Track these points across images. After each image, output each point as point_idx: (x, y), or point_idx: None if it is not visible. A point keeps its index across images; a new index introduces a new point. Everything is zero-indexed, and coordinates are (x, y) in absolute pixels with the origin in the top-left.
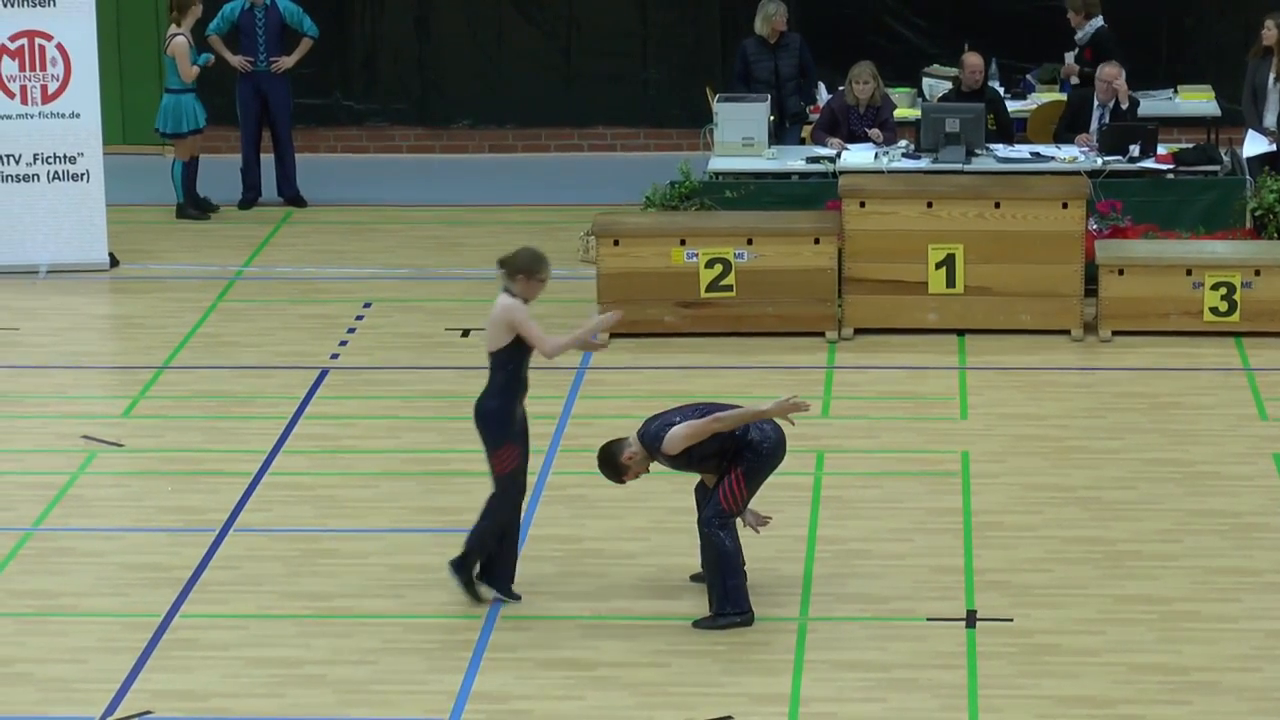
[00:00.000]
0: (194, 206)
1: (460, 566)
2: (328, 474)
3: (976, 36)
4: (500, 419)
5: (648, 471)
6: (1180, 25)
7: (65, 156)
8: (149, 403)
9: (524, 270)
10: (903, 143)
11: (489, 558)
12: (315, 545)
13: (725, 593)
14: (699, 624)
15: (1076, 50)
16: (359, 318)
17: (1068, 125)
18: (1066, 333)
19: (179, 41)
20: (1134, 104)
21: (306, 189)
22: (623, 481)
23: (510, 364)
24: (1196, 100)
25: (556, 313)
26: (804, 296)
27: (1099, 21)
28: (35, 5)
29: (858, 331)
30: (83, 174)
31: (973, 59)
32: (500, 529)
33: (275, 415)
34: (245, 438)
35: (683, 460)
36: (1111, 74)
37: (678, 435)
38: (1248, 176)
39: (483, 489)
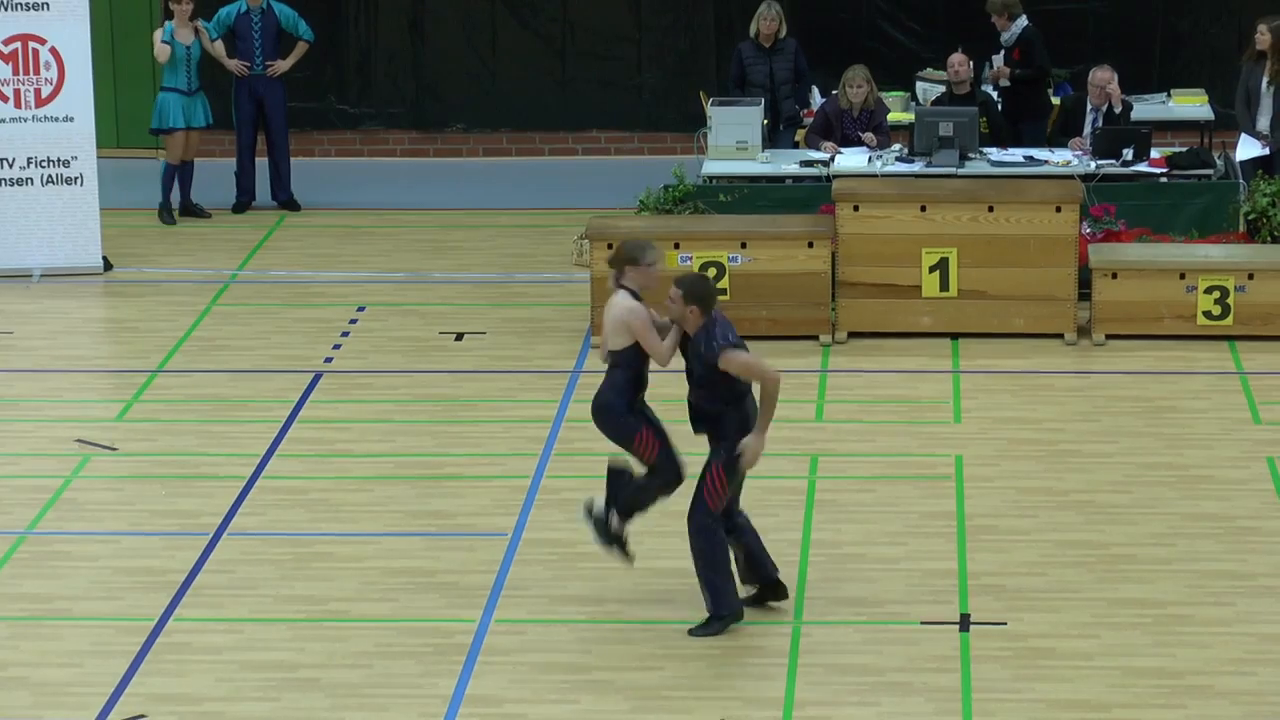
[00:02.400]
0: (165, 210)
1: (603, 523)
2: (322, 478)
3: (970, 41)
4: (620, 412)
5: (671, 320)
6: (1174, 29)
7: (59, 160)
8: (143, 406)
9: (629, 260)
10: (896, 146)
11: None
12: (309, 549)
13: (716, 592)
14: (694, 632)
15: (1003, 52)
16: (353, 321)
17: (1061, 129)
18: (1060, 336)
19: (158, 32)
20: (1127, 108)
21: (300, 193)
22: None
23: (635, 363)
24: (1190, 104)
25: (550, 316)
26: (798, 300)
27: (1024, 21)
28: (29, 9)
29: (851, 335)
30: (76, 178)
31: (955, 57)
32: (650, 500)
33: (269, 419)
34: (239, 441)
35: (706, 389)
36: (1104, 78)
37: (738, 357)
38: (1241, 180)
39: (476, 493)
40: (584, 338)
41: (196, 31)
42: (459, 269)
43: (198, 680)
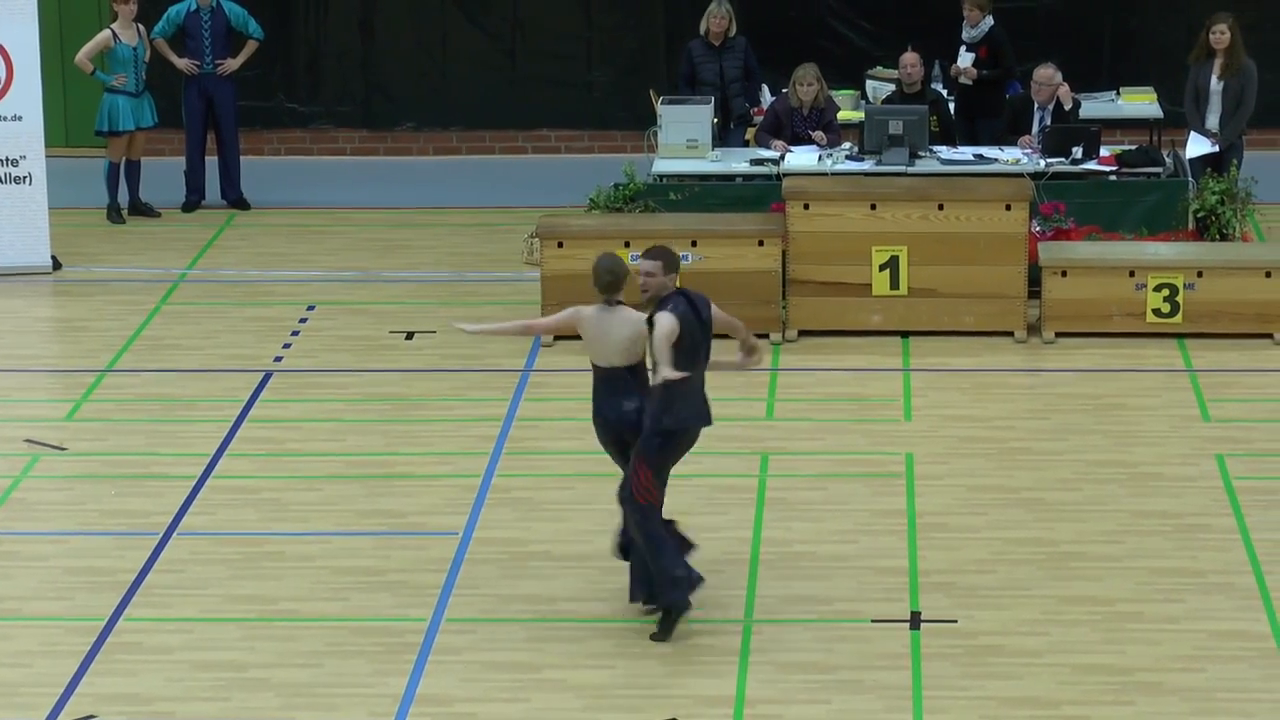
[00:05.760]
0: (114, 210)
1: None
2: (272, 477)
3: (920, 39)
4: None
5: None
6: (1123, 27)
7: (7, 159)
8: (92, 406)
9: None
10: (846, 145)
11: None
12: (259, 548)
13: (663, 584)
14: (655, 637)
15: (964, 47)
16: (303, 320)
17: (1010, 127)
18: (1010, 334)
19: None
20: (1076, 106)
21: (250, 191)
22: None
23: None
24: (1139, 102)
25: (500, 315)
26: (748, 298)
27: (991, 19)
28: None
29: (802, 333)
30: (25, 176)
31: (908, 56)
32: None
33: (219, 418)
34: (189, 441)
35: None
36: (1048, 75)
37: (661, 320)
38: (1190, 178)
39: (426, 492)
40: (534, 337)
41: (140, 33)
42: (409, 268)
43: (148, 680)
